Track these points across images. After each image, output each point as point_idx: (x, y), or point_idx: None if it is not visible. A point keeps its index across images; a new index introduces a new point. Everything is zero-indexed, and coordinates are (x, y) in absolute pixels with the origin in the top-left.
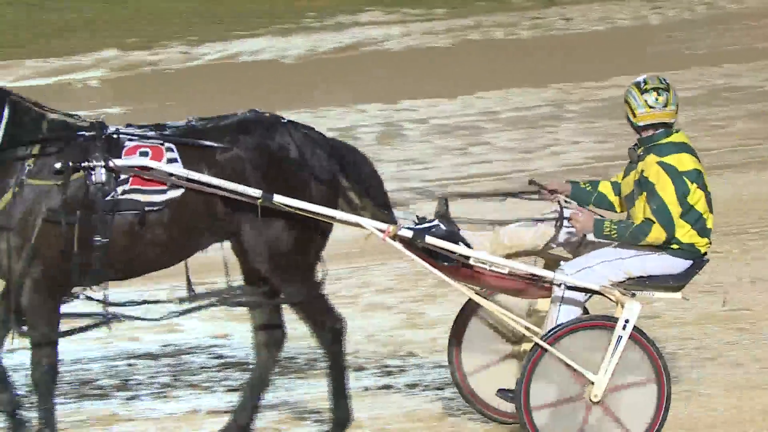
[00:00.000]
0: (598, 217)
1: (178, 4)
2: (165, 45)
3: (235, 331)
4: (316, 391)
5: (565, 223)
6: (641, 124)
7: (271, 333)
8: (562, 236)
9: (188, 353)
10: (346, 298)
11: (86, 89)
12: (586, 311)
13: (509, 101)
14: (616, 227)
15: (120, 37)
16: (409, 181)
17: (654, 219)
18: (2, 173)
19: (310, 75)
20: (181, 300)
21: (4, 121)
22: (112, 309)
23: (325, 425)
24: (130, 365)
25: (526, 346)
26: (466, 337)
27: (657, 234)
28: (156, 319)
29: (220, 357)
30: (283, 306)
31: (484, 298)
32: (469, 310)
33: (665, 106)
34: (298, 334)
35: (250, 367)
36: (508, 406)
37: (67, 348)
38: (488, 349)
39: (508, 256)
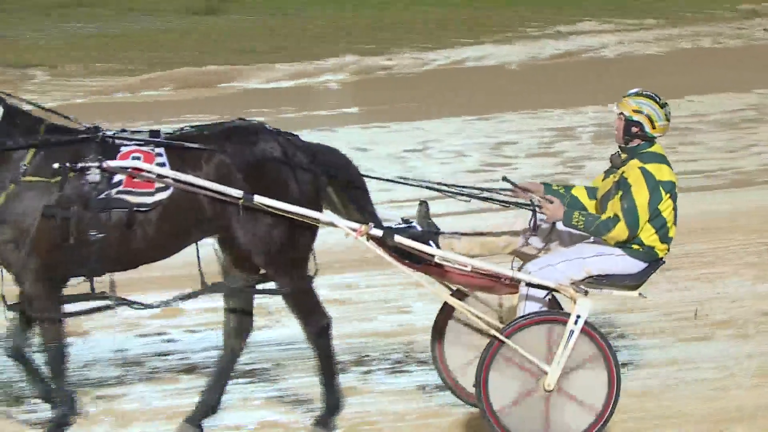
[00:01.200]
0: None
1: (410, 14)
2: (398, 51)
3: None
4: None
5: (538, 216)
6: (657, 135)
7: (241, 320)
8: (535, 230)
9: (418, 332)
10: None
11: (327, 91)
12: (560, 306)
13: (716, 105)
14: (583, 218)
15: (358, 43)
16: None
17: (621, 217)
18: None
19: (531, 79)
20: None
21: None
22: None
23: None
24: (365, 343)
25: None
26: (447, 332)
27: (620, 231)
28: (153, 306)
29: None
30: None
31: (455, 294)
32: (448, 307)
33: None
34: None
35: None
36: None
37: None
38: (468, 342)
39: (485, 255)
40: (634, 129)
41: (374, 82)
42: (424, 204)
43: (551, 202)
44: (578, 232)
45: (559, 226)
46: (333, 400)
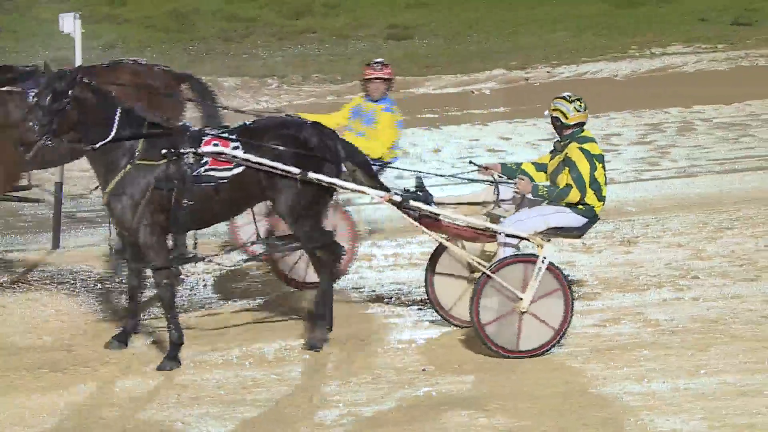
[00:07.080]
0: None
1: (544, 41)
2: (535, 67)
3: None
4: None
5: (511, 188)
6: (572, 123)
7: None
8: (506, 197)
9: None
10: (652, 238)
11: (481, 96)
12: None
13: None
14: (547, 190)
15: (506, 61)
16: (698, 161)
17: (573, 185)
18: (117, 156)
19: (633, 88)
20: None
21: (116, 119)
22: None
23: None
24: None
25: (477, 275)
26: (437, 268)
27: (573, 195)
28: (227, 266)
29: None
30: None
31: (452, 242)
32: (438, 250)
33: (585, 110)
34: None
35: None
36: (466, 315)
37: None
38: (453, 276)
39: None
40: (556, 123)
41: (515, 90)
42: (419, 178)
43: (522, 180)
44: (535, 198)
45: (529, 197)
46: (322, 312)
